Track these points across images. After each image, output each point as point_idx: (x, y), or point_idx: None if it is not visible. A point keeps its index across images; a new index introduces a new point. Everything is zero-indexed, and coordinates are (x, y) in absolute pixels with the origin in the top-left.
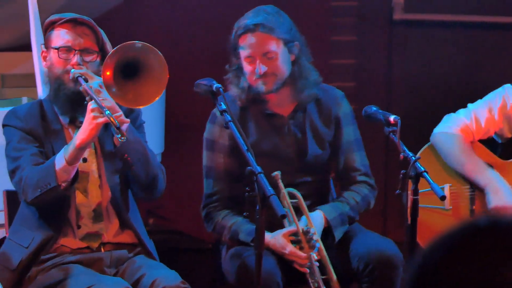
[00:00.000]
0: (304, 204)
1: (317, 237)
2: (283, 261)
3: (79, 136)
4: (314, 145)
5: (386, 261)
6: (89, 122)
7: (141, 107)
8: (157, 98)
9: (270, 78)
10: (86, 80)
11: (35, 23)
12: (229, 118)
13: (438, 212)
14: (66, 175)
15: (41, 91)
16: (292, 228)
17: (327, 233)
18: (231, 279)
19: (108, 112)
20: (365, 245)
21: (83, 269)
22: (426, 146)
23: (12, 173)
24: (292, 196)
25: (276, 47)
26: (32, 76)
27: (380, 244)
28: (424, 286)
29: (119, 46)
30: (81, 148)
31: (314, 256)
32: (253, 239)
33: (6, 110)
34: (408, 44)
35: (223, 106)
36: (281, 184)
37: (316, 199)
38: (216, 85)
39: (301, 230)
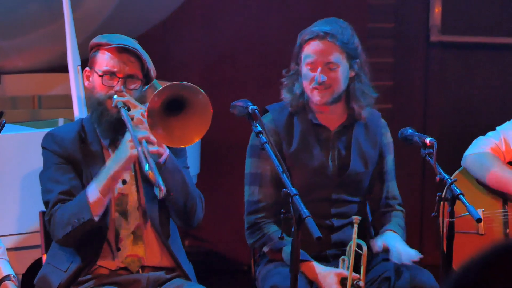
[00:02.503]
0: (365, 259)
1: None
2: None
3: (111, 167)
4: (357, 162)
5: None
6: (124, 153)
7: (185, 145)
8: (201, 137)
9: (327, 90)
10: (128, 109)
11: (72, 44)
12: (265, 140)
13: (472, 237)
14: (101, 207)
15: (78, 112)
16: (345, 273)
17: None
18: None
19: (148, 168)
20: (404, 279)
21: None
22: (458, 171)
23: (45, 204)
24: (359, 247)
25: (339, 59)
26: (68, 97)
27: (418, 276)
28: None
29: (164, 87)
30: (114, 179)
31: None
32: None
33: (42, 131)
34: (444, 66)
35: (259, 128)
36: (356, 229)
37: (349, 221)
38: (252, 106)
39: (352, 281)
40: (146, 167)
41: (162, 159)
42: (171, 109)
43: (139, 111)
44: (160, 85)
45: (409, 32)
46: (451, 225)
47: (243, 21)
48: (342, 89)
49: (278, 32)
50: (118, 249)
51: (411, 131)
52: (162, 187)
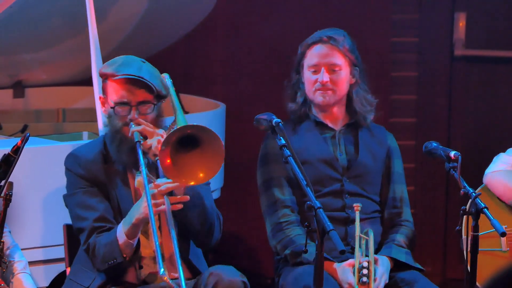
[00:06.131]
0: (372, 243)
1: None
2: None
3: (135, 214)
4: (366, 155)
5: None
6: (144, 208)
7: (191, 183)
8: (208, 179)
9: (329, 90)
10: (145, 138)
11: (96, 58)
12: (289, 153)
13: (495, 254)
14: (129, 248)
15: (102, 126)
16: (352, 261)
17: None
18: None
19: (163, 271)
20: None
21: None
22: (479, 188)
23: (78, 231)
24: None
25: (342, 62)
26: (92, 110)
27: None
28: None
29: (172, 132)
30: (137, 225)
31: None
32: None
33: (66, 144)
34: (468, 80)
35: (283, 141)
36: (358, 216)
37: (366, 216)
38: (275, 120)
39: (358, 264)
40: (161, 271)
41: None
42: (185, 144)
43: (156, 139)
44: (172, 82)
45: (433, 46)
46: (475, 239)
47: (266, 34)
48: (344, 92)
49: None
50: (141, 267)
51: (435, 144)
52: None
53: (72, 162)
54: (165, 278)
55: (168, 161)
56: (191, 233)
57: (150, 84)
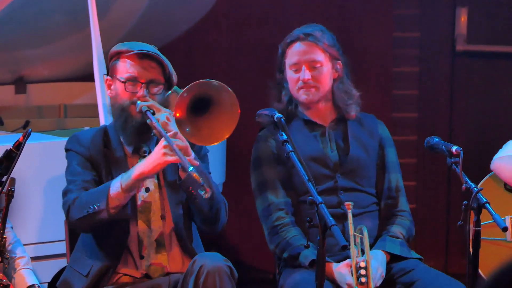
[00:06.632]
0: (367, 240)
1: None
2: None
3: (141, 167)
4: (357, 149)
5: None
6: (158, 157)
7: (214, 144)
8: (229, 135)
9: (312, 88)
10: (153, 113)
11: (98, 54)
12: (290, 148)
13: (500, 244)
14: (118, 202)
15: (104, 121)
16: (349, 261)
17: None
18: None
19: (192, 168)
20: None
21: None
22: (487, 177)
23: (64, 194)
24: (359, 231)
25: (322, 58)
26: (94, 106)
27: None
28: None
29: (191, 85)
30: (139, 180)
31: None
32: (311, 262)
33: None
34: (470, 75)
35: (285, 137)
36: (350, 214)
37: (363, 210)
38: (277, 115)
39: (355, 263)
40: (190, 168)
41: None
42: (199, 108)
43: (164, 115)
44: (181, 90)
45: (434, 42)
46: (477, 234)
47: (268, 29)
48: (327, 88)
49: None
50: (142, 257)
51: (437, 139)
52: (207, 188)
53: (72, 142)
54: (193, 175)
55: (185, 125)
56: (199, 219)
57: (164, 62)
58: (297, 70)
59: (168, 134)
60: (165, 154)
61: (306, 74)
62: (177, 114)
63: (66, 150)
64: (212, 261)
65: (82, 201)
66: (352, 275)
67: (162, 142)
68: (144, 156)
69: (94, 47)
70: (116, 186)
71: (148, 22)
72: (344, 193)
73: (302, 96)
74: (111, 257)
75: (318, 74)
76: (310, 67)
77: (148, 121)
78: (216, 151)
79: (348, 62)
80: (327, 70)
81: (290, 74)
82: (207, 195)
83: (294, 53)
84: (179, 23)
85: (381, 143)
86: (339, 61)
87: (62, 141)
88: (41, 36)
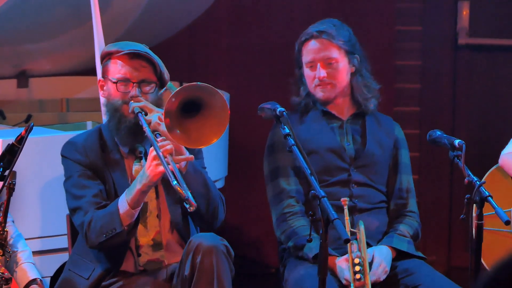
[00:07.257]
0: (364, 236)
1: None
2: None
3: (142, 181)
4: (373, 144)
5: None
6: (153, 169)
7: (203, 146)
8: (217, 138)
9: (328, 85)
10: (145, 114)
11: (100, 48)
12: (293, 142)
13: (504, 235)
14: (130, 218)
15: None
16: (351, 256)
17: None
18: None
19: (175, 182)
20: None
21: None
22: (493, 168)
23: (73, 211)
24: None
25: (337, 54)
26: (96, 100)
27: None
28: None
29: (179, 89)
30: (143, 192)
31: None
32: (314, 256)
33: (70, 134)
34: (472, 69)
35: (287, 130)
36: (346, 211)
37: (372, 206)
38: (279, 109)
39: (352, 260)
40: (174, 182)
41: (183, 164)
42: (188, 110)
43: (156, 115)
44: (176, 88)
45: (437, 35)
46: (479, 228)
47: (269, 25)
48: (344, 84)
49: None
50: (139, 255)
51: (439, 133)
52: (193, 202)
53: (68, 149)
54: (178, 188)
55: (175, 128)
56: (197, 217)
57: (154, 61)
58: (313, 68)
59: (159, 139)
60: (157, 165)
61: (321, 72)
62: (166, 119)
63: (62, 156)
64: (208, 241)
65: (97, 226)
66: (349, 270)
67: (152, 153)
68: (140, 157)
69: (96, 41)
70: (123, 204)
71: (150, 16)
72: (356, 187)
73: (318, 93)
74: (114, 260)
75: (334, 71)
76: (325, 64)
77: (140, 122)
78: (218, 146)
79: (366, 55)
80: (343, 65)
81: (307, 71)
82: (192, 209)
83: (309, 51)
84: (180, 18)
85: (396, 144)
86: (356, 55)
87: (64, 135)
88: (43, 30)
